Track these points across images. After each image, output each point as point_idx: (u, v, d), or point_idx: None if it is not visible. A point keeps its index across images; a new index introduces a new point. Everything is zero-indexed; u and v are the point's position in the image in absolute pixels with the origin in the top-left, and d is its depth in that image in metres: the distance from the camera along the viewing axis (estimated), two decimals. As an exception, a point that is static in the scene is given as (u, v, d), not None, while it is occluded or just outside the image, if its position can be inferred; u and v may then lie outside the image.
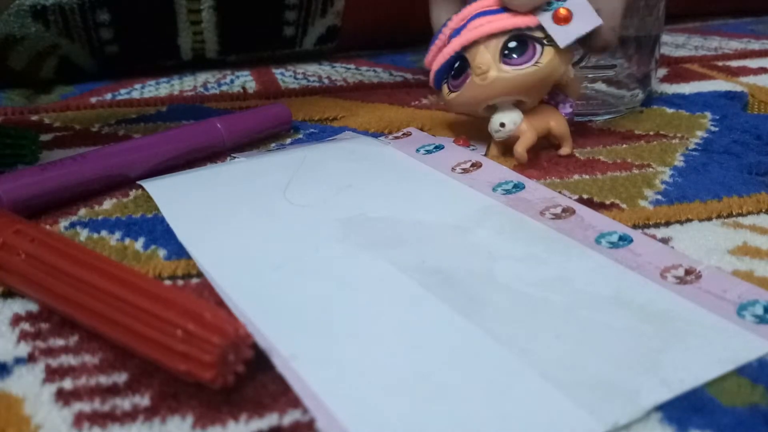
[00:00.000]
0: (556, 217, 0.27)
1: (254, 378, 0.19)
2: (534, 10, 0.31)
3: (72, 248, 0.22)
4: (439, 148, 0.34)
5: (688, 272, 0.23)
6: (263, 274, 0.24)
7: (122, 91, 0.50)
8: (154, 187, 0.31)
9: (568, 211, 0.27)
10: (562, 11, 0.31)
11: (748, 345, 0.20)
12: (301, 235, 0.26)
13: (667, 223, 0.27)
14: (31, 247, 0.22)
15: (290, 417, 0.18)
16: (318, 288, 0.23)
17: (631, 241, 0.25)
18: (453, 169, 0.32)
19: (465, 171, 0.32)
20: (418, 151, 0.34)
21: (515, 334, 0.20)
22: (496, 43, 0.32)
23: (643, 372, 0.19)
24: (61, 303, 0.21)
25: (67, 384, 0.19)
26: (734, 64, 0.53)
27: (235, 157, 0.35)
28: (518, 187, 0.30)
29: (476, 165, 0.32)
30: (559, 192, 0.30)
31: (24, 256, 0.22)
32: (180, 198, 0.30)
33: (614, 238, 0.25)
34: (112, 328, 0.19)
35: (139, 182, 0.31)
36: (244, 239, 0.26)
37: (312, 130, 0.39)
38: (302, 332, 0.20)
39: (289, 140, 0.38)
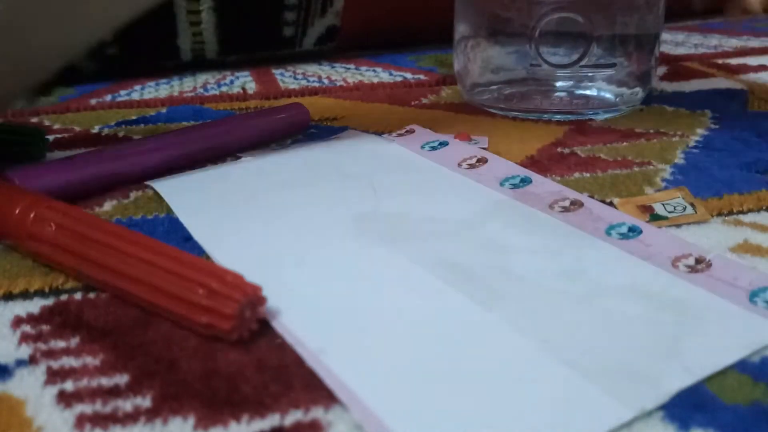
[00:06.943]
0: (565, 210, 0.27)
1: (255, 378, 0.19)
2: None
3: (103, 222, 0.24)
4: (443, 144, 0.35)
5: (698, 261, 0.23)
6: (284, 271, 0.24)
7: (122, 92, 0.50)
8: (164, 187, 0.31)
9: (576, 204, 0.28)
10: None
11: (763, 330, 0.20)
12: (316, 231, 0.26)
13: (668, 221, 0.27)
14: (63, 219, 0.24)
15: (292, 417, 0.18)
16: (339, 283, 0.23)
17: (641, 232, 0.25)
18: (459, 164, 0.32)
19: (471, 166, 0.32)
20: (423, 147, 0.35)
21: (537, 324, 0.20)
22: None
23: (664, 358, 0.19)
24: (92, 267, 0.22)
25: (69, 386, 0.19)
26: (734, 61, 0.53)
27: (239, 157, 0.35)
28: (525, 181, 0.30)
29: (482, 160, 0.32)
30: (560, 190, 0.30)
31: (55, 227, 0.24)
32: (192, 198, 0.30)
33: (624, 229, 0.26)
34: (140, 288, 0.21)
35: (147, 182, 0.31)
36: (261, 237, 0.26)
37: (312, 130, 0.39)
38: (328, 326, 0.21)
39: (289, 140, 0.38)
